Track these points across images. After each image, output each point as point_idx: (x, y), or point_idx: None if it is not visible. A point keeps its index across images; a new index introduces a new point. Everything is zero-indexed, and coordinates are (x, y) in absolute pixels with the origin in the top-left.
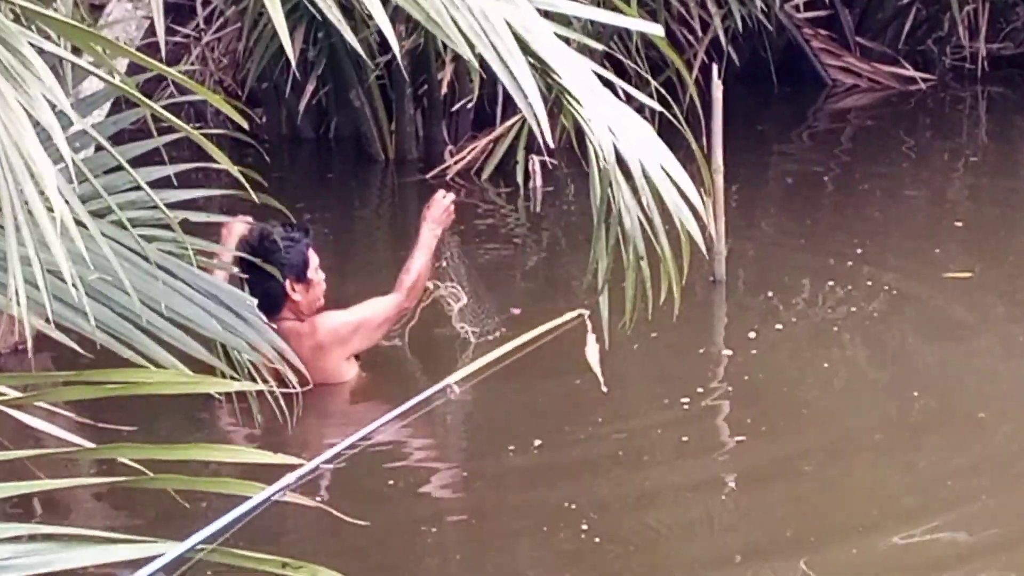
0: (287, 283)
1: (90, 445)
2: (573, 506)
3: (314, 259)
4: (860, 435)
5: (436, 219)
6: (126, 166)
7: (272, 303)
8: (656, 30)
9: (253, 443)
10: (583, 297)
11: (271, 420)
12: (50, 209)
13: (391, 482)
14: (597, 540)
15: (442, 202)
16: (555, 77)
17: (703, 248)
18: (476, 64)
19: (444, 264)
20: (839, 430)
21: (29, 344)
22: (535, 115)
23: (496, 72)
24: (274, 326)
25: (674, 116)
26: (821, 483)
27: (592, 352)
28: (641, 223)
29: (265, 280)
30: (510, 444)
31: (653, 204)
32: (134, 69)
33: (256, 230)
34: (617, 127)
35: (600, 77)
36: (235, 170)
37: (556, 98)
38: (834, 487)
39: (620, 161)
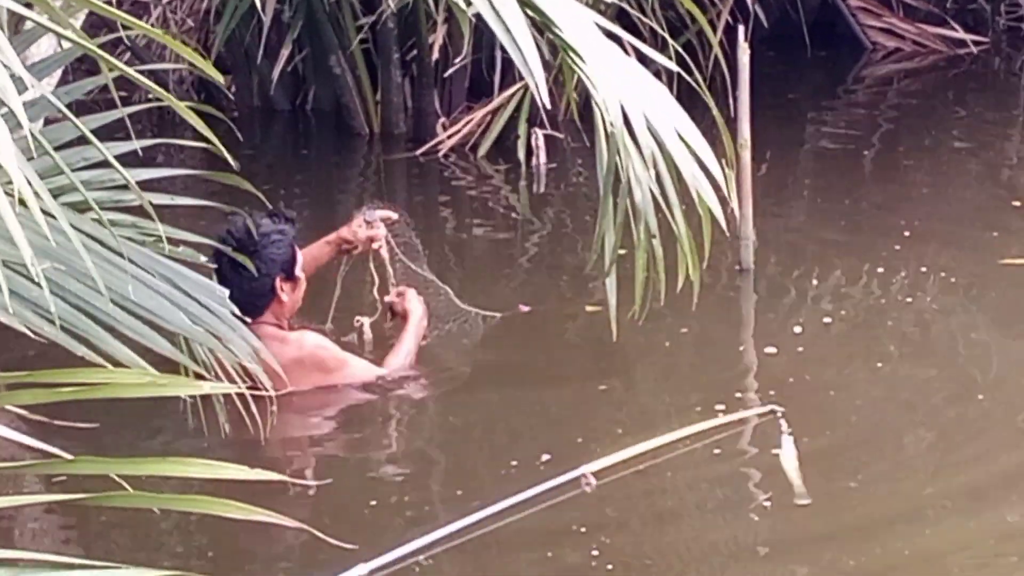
0: (276, 281)
1: (36, 444)
2: (583, 528)
3: (299, 254)
4: (915, 452)
5: (420, 316)
6: (94, 140)
7: (256, 304)
8: None
9: (222, 451)
10: (592, 289)
11: (238, 428)
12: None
13: (382, 500)
14: (609, 567)
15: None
16: (556, 31)
17: (724, 226)
18: (466, 14)
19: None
20: (891, 445)
21: None
22: (532, 74)
23: (490, 25)
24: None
25: (695, 82)
26: (866, 508)
27: (788, 456)
28: (653, 196)
29: (252, 278)
30: (514, 458)
31: (667, 174)
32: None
33: (240, 221)
34: (627, 88)
35: (610, 35)
36: (217, 144)
37: (560, 63)
38: (881, 515)
39: (630, 126)
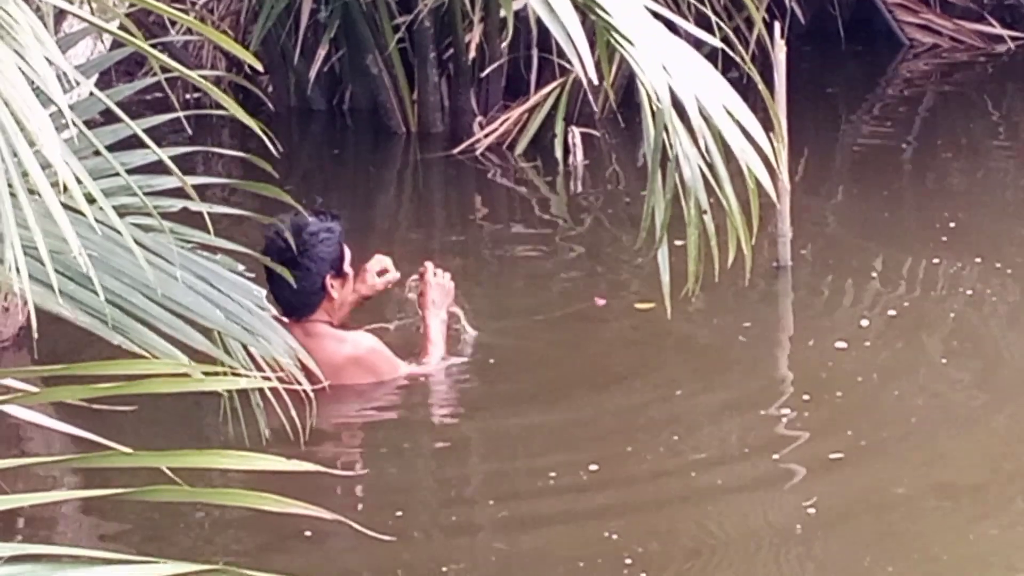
0: (327, 279)
1: (77, 432)
2: (615, 536)
3: (347, 251)
4: (972, 464)
5: (437, 303)
6: (151, 145)
7: (309, 301)
8: None
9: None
10: (633, 288)
11: (278, 427)
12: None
13: (417, 498)
14: None
15: (438, 281)
16: (600, 13)
17: (775, 198)
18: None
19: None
20: (949, 452)
21: (33, 325)
22: (578, 53)
23: (533, 5)
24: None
25: (739, 62)
26: (921, 530)
27: None
28: (702, 172)
29: (303, 277)
30: (557, 467)
31: (715, 149)
32: (116, 45)
33: (290, 221)
34: (673, 66)
35: (655, 15)
36: (253, 124)
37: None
38: (934, 536)
39: (677, 104)
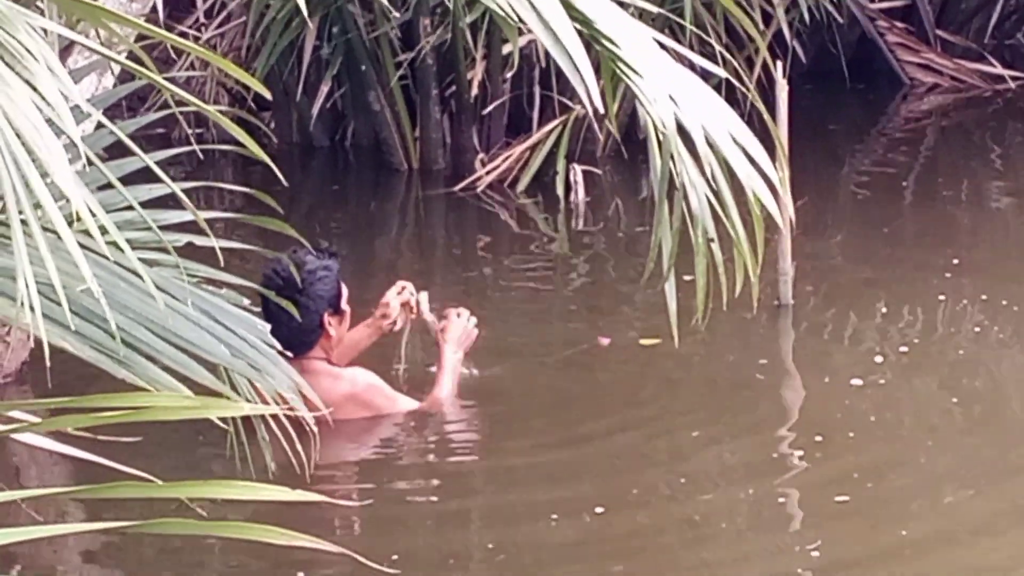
0: (325, 316)
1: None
2: None
3: (344, 288)
4: (979, 509)
5: (457, 340)
6: (164, 177)
7: (307, 339)
8: None
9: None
10: (636, 325)
11: (282, 459)
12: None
13: (415, 534)
14: None
15: (462, 323)
16: (606, 43)
17: (782, 226)
18: (513, 27)
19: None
20: (956, 497)
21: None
22: (584, 82)
23: (538, 36)
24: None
25: (741, 99)
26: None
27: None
28: (709, 200)
29: (301, 315)
30: (561, 508)
31: (722, 178)
32: (125, 77)
33: (285, 259)
34: (679, 95)
35: (660, 45)
36: (264, 157)
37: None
38: None
39: (683, 132)
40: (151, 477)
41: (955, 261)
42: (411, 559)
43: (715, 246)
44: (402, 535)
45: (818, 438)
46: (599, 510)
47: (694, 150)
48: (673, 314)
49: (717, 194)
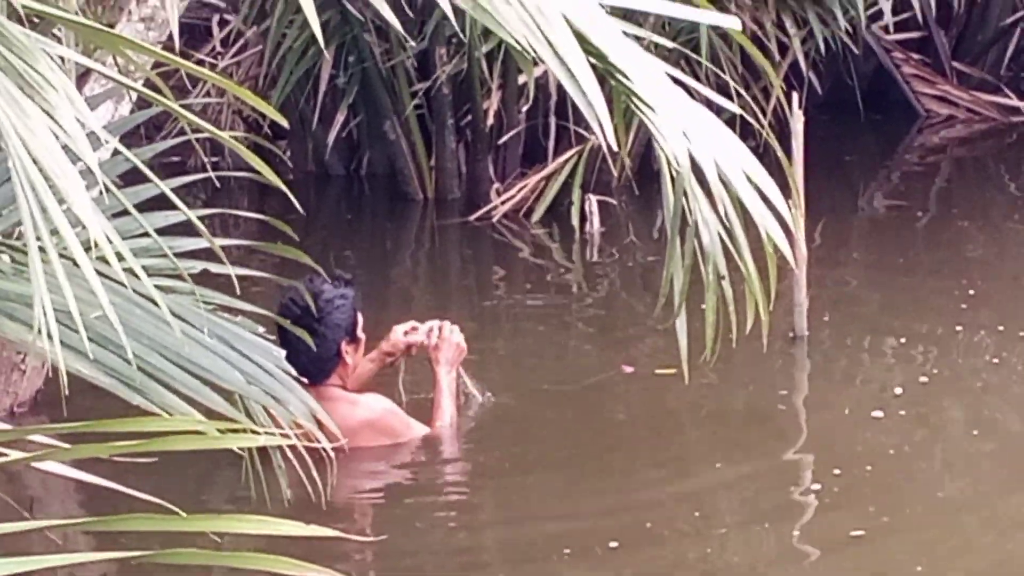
0: (342, 345)
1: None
2: None
3: (360, 316)
4: (994, 544)
5: (449, 360)
6: (182, 207)
7: (324, 368)
8: (733, 23)
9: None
10: (652, 355)
11: (297, 488)
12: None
13: (429, 564)
14: None
15: (451, 340)
16: (620, 78)
17: (793, 264)
18: (528, 60)
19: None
20: (972, 532)
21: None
22: (597, 117)
23: (552, 70)
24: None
25: (756, 132)
26: None
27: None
28: (721, 238)
29: (319, 344)
30: (574, 543)
31: (734, 215)
32: (142, 104)
33: (302, 287)
34: (692, 131)
35: (675, 81)
36: (280, 184)
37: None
38: None
39: (696, 169)
40: (164, 503)
41: (971, 292)
42: None
43: (726, 283)
44: (415, 568)
45: (836, 471)
46: (613, 544)
47: (707, 187)
48: (684, 350)
49: (730, 232)
